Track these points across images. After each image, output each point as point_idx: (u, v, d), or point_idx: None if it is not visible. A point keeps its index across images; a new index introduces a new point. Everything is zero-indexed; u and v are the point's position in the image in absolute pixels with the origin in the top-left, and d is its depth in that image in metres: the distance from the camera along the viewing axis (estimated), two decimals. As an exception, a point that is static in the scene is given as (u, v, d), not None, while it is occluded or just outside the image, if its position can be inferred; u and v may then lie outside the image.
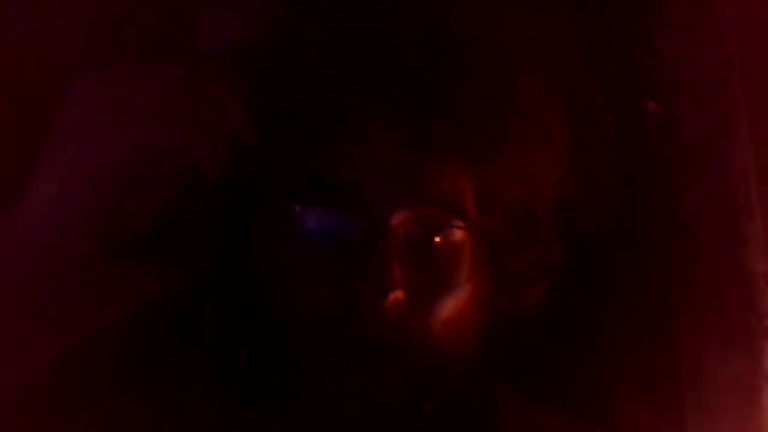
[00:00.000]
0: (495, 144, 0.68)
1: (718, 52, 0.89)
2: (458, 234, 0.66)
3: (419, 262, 0.64)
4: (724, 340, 0.88)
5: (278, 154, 0.66)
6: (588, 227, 0.87)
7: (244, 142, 0.61)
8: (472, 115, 0.67)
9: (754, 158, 0.89)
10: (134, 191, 0.60)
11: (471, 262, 0.67)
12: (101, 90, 0.58)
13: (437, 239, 0.65)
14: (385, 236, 0.63)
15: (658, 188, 0.91)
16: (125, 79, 0.59)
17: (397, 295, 0.62)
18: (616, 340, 0.89)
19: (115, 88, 0.58)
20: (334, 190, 0.64)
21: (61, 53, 0.81)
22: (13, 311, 0.59)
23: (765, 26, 0.91)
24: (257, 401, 0.67)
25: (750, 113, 0.89)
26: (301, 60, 0.66)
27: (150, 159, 0.59)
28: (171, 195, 0.62)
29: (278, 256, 0.65)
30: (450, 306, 0.66)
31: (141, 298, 0.69)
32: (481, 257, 0.68)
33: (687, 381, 0.88)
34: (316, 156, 0.65)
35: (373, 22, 0.66)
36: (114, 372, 0.66)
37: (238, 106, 0.60)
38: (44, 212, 0.58)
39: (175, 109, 0.58)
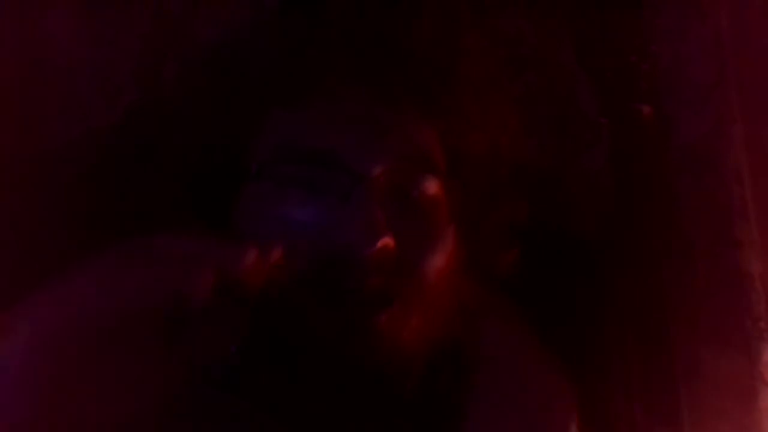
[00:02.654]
0: (452, 97, 0.69)
1: (713, 56, 0.90)
2: (433, 185, 0.67)
3: (401, 211, 0.65)
4: (720, 342, 0.88)
5: (249, 127, 0.67)
6: (583, 229, 0.87)
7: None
8: (429, 70, 0.68)
9: (748, 161, 0.89)
10: None
11: (447, 213, 0.68)
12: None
13: (415, 189, 0.66)
14: (366, 186, 0.63)
15: (653, 191, 0.91)
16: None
17: (387, 240, 0.62)
18: (612, 341, 0.89)
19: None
20: (309, 155, 0.65)
21: (60, 58, 0.82)
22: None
23: (759, 30, 0.91)
24: (246, 386, 0.67)
25: (744, 116, 0.90)
26: (263, 27, 0.68)
27: None
28: None
29: (263, 224, 0.66)
30: (435, 256, 0.66)
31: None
32: (454, 209, 0.69)
33: (683, 383, 0.88)
34: (286, 124, 0.66)
35: None
36: (105, 370, 0.66)
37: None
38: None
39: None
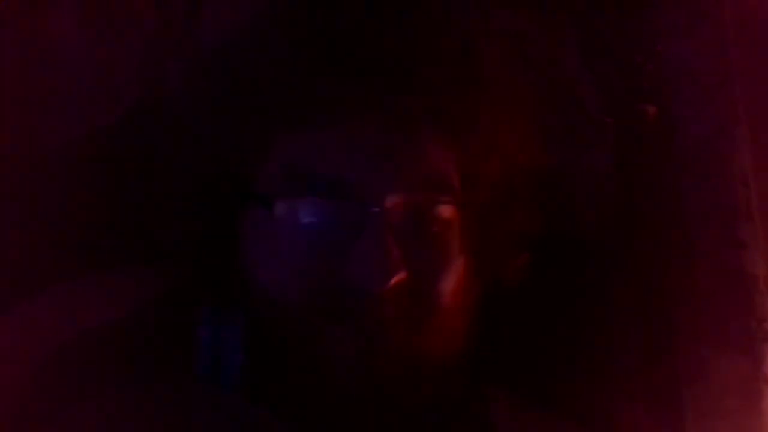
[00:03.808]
0: (468, 118, 0.68)
1: (718, 56, 0.90)
2: (448, 210, 0.66)
3: (415, 243, 0.64)
4: (724, 343, 0.88)
5: (261, 153, 0.66)
6: (587, 230, 0.87)
7: None
8: (444, 92, 0.67)
9: (753, 162, 0.89)
10: None
11: (461, 236, 0.67)
12: None
13: (429, 217, 0.65)
14: (379, 220, 0.62)
15: (658, 191, 0.91)
16: None
17: (400, 276, 0.62)
18: (615, 342, 0.89)
19: None
20: (318, 182, 0.63)
21: (63, 54, 0.82)
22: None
23: (765, 29, 0.91)
24: (255, 397, 0.67)
25: (749, 117, 0.89)
26: (273, 52, 0.66)
27: None
28: None
29: (270, 252, 0.65)
30: (450, 282, 0.66)
31: (130, 304, 0.70)
32: (468, 230, 0.68)
33: (686, 384, 0.88)
34: (295, 147, 0.65)
35: (344, 13, 0.66)
36: (109, 370, 0.66)
37: None
38: None
39: None
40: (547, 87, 0.85)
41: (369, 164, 0.63)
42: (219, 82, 0.67)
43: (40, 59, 0.81)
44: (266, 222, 0.65)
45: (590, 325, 0.88)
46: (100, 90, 0.82)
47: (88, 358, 0.66)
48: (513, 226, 0.73)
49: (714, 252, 0.89)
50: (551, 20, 0.86)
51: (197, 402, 0.66)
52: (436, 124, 0.66)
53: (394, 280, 0.61)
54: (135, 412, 0.65)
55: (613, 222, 0.89)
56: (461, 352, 0.69)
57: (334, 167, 0.63)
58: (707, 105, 0.90)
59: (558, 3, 0.88)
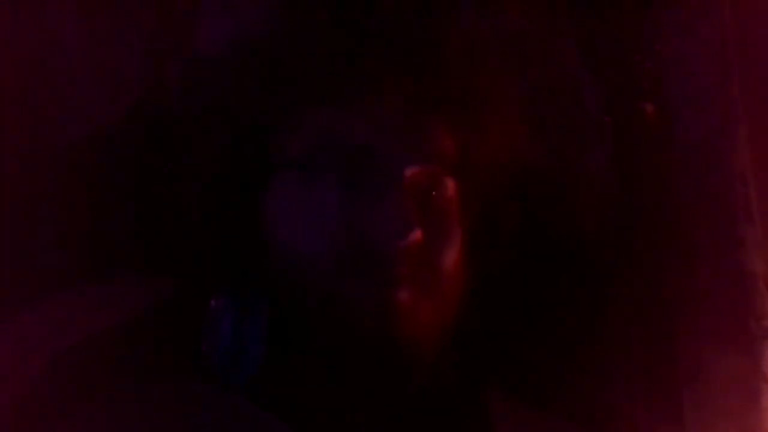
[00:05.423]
0: (467, 101, 0.75)
1: (717, 55, 0.90)
2: (450, 187, 0.73)
3: (425, 212, 0.71)
4: (723, 342, 0.88)
5: (295, 122, 0.72)
6: (586, 229, 0.87)
7: None
8: (449, 83, 0.74)
9: (752, 160, 0.89)
10: None
11: (458, 214, 0.74)
12: None
13: (437, 190, 0.72)
14: (399, 184, 0.69)
15: (657, 191, 0.91)
16: None
17: (416, 234, 0.68)
18: (615, 341, 0.89)
19: None
20: (346, 150, 0.70)
21: (64, 56, 0.82)
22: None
23: (764, 29, 0.91)
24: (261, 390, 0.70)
25: (748, 116, 0.90)
26: (315, 43, 0.72)
27: None
28: None
29: (299, 216, 0.71)
30: (452, 253, 0.72)
31: (133, 308, 0.72)
32: (464, 211, 0.75)
33: (686, 382, 0.88)
34: (327, 123, 0.71)
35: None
36: (111, 372, 0.67)
37: None
38: None
39: None
40: (547, 85, 0.85)
41: (390, 137, 0.71)
42: (253, 61, 0.72)
43: (41, 59, 0.81)
44: (296, 189, 0.71)
45: (589, 324, 0.88)
46: (100, 90, 0.82)
47: (89, 361, 0.67)
48: (491, 216, 0.77)
49: (713, 251, 0.89)
50: (551, 19, 0.86)
51: (200, 404, 0.67)
52: (442, 109, 0.73)
53: (411, 238, 0.68)
54: (137, 415, 0.66)
55: (612, 221, 0.89)
56: (455, 332, 0.74)
57: (360, 137, 0.70)
58: (707, 104, 0.90)
59: (558, 2, 0.88)
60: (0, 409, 0.64)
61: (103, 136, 0.81)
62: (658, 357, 0.89)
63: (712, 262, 0.89)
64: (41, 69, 0.82)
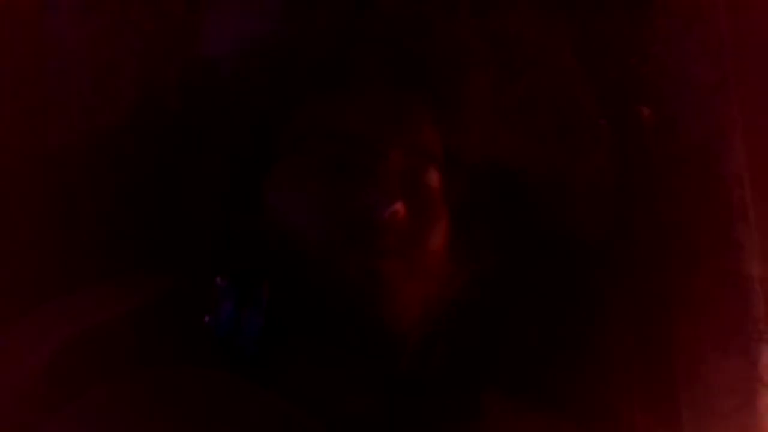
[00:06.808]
0: (456, 99, 0.80)
1: (714, 58, 0.90)
2: (434, 176, 0.78)
3: (409, 189, 0.76)
4: (720, 344, 0.88)
5: (291, 112, 0.78)
6: (583, 231, 0.87)
7: None
8: (440, 73, 0.79)
9: (748, 163, 0.89)
10: None
11: (443, 201, 0.78)
12: None
13: (421, 174, 0.77)
14: (385, 162, 0.75)
15: (653, 193, 0.91)
16: None
17: (399, 206, 0.74)
18: (612, 344, 0.89)
19: None
20: (339, 135, 0.76)
21: (62, 56, 0.82)
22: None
23: (760, 32, 0.91)
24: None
25: (745, 119, 0.90)
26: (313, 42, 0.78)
27: None
28: None
29: (297, 195, 0.76)
30: (435, 236, 0.77)
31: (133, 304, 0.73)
32: (449, 201, 0.79)
33: (683, 384, 0.88)
34: (321, 108, 0.77)
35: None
36: (112, 364, 0.68)
37: None
38: None
39: None
40: (544, 89, 0.86)
41: (379, 127, 0.76)
42: (254, 59, 0.78)
43: (42, 59, 0.81)
44: (294, 171, 0.76)
45: (587, 326, 0.88)
46: (100, 90, 0.82)
47: (92, 352, 0.68)
48: (491, 214, 0.81)
49: (710, 253, 0.89)
50: (548, 21, 0.87)
51: (202, 392, 0.68)
52: (430, 101, 0.79)
53: (394, 209, 0.73)
54: (138, 405, 0.67)
55: (609, 223, 0.89)
56: (455, 332, 0.78)
57: (352, 124, 0.76)
58: (703, 107, 0.90)
59: (555, 4, 0.88)
60: (6, 399, 0.65)
61: (103, 136, 0.81)
62: (656, 359, 0.89)
63: (708, 265, 0.89)
64: (41, 69, 0.82)
